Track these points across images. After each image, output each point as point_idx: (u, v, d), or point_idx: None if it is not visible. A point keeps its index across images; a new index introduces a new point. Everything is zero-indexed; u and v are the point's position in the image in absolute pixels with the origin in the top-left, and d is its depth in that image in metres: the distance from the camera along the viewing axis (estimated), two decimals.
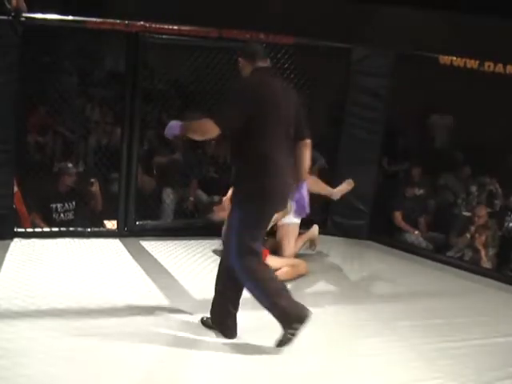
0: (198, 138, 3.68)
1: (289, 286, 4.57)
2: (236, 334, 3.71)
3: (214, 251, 5.16)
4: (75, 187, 5.77)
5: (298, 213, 3.91)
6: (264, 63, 3.67)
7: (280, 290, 3.63)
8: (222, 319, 3.71)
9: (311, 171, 4.86)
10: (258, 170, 3.53)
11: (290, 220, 4.92)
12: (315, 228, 5.33)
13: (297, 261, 4.92)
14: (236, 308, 3.70)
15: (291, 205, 3.97)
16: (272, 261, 4.71)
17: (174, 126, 3.55)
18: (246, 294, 3.95)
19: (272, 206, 3.63)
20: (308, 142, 3.76)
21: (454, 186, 7.15)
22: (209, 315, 3.77)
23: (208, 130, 3.50)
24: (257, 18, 7.58)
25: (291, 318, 3.55)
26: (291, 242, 5.02)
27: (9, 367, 3.11)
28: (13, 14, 4.61)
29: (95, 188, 5.95)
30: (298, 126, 3.67)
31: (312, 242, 5.34)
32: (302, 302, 4.38)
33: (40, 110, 6.28)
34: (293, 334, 3.55)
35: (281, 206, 3.70)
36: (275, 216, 4.10)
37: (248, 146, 3.53)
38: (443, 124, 8.30)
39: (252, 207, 3.55)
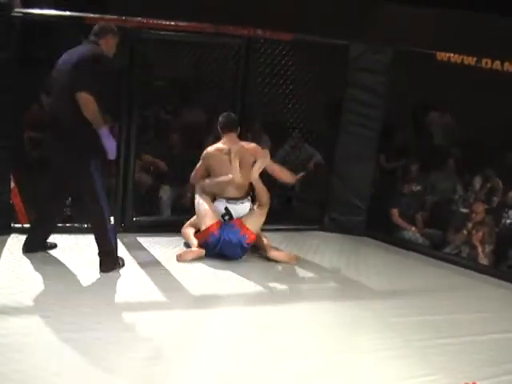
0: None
1: (287, 279, 4.63)
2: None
3: None
4: None
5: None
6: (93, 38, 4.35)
7: None
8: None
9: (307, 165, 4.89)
10: None
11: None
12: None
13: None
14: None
15: None
16: None
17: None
18: (241, 294, 3.94)
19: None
20: (79, 94, 4.08)
21: (448, 182, 7.12)
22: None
23: None
24: (255, 14, 7.57)
25: None
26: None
27: (3, 363, 3.11)
28: (7, 8, 4.60)
29: None
30: (73, 83, 4.13)
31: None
32: (298, 298, 4.41)
33: (34, 106, 6.26)
34: None
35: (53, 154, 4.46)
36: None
37: None
38: (441, 121, 8.29)
39: None
